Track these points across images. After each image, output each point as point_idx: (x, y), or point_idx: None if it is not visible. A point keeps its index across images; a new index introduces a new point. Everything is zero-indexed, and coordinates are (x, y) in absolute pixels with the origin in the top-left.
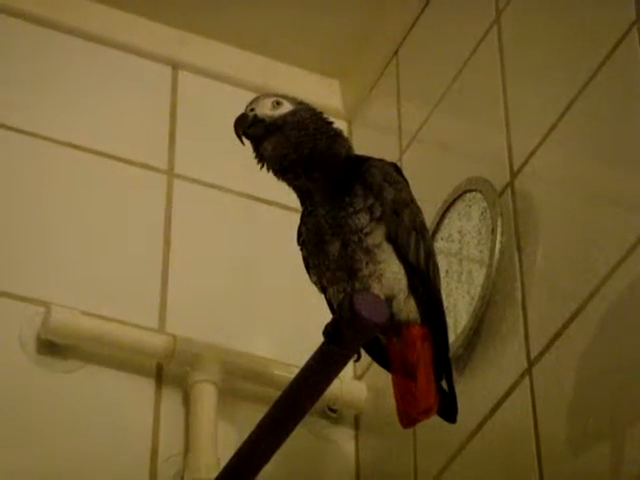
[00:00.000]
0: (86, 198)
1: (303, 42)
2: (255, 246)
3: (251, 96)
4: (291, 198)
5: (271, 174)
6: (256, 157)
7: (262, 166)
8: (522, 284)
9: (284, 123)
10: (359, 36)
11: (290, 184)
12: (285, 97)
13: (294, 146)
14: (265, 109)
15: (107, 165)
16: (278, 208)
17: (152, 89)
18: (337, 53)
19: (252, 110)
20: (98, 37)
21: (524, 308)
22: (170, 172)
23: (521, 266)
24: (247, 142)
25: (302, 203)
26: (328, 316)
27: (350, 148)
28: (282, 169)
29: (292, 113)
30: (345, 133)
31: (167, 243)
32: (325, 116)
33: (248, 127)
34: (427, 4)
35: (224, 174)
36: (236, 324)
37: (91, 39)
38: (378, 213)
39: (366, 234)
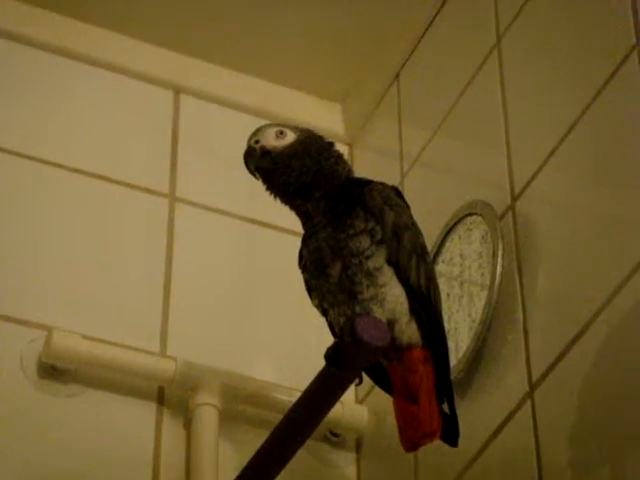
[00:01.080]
0: (87, 222)
1: (304, 66)
2: (257, 270)
3: (253, 120)
4: (293, 222)
5: (276, 200)
6: (267, 188)
7: (272, 194)
8: (523, 307)
9: (290, 154)
10: (360, 59)
11: (293, 207)
12: (287, 126)
13: (300, 173)
14: (270, 140)
15: (109, 189)
16: (280, 232)
17: (154, 113)
18: (338, 77)
19: (257, 142)
20: (100, 61)
21: (525, 331)
22: (172, 196)
23: (522, 289)
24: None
25: (304, 225)
26: (329, 339)
27: (350, 171)
28: (289, 195)
29: (297, 143)
30: (346, 157)
31: (169, 267)
32: (327, 139)
33: (257, 161)
34: (428, 28)
35: (226, 198)
36: (238, 347)
37: (93, 63)
38: (379, 236)
39: (367, 257)
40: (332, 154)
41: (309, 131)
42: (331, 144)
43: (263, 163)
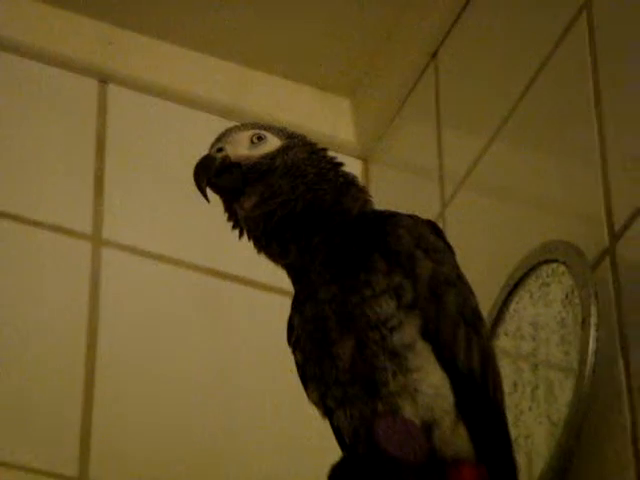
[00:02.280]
0: None
1: (296, 44)
2: (220, 346)
3: (219, 123)
4: (269, 273)
5: (248, 241)
6: (229, 219)
7: (238, 232)
8: (630, 401)
9: (269, 167)
10: (378, 35)
11: (276, 255)
12: (269, 127)
13: (284, 199)
14: (240, 147)
15: (8, 229)
16: (250, 287)
17: (69, 111)
18: (347, 61)
19: (220, 150)
20: None
21: (635, 439)
22: (96, 237)
23: (628, 374)
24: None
25: (294, 282)
26: (335, 452)
27: (367, 201)
28: (266, 234)
29: (281, 151)
30: (359, 177)
31: (92, 346)
32: (330, 154)
33: (216, 175)
34: None
35: (173, 239)
36: (195, 464)
37: None
38: (409, 297)
39: (392, 329)
40: (339, 176)
41: (304, 138)
42: (338, 164)
43: (225, 180)
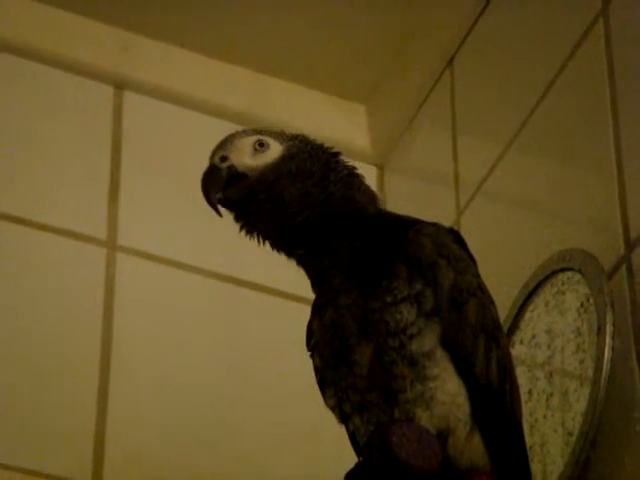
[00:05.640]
0: None
1: (311, 51)
2: (236, 352)
3: (235, 130)
4: (285, 280)
5: (264, 250)
6: (241, 228)
7: (254, 239)
8: None
9: (276, 176)
10: (395, 43)
11: (296, 259)
12: (270, 132)
13: (301, 207)
14: (244, 156)
15: (23, 234)
16: (265, 294)
17: (85, 117)
18: (363, 68)
19: (224, 159)
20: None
21: None
22: (111, 243)
23: None
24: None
25: (314, 286)
26: (350, 459)
27: (375, 199)
28: (283, 241)
29: (285, 158)
30: (374, 183)
31: (106, 352)
32: (333, 150)
33: (224, 188)
34: None
35: (187, 246)
36: (210, 470)
37: None
38: (429, 305)
39: (411, 336)
40: (339, 163)
41: (305, 139)
42: (336, 155)
43: (233, 193)
